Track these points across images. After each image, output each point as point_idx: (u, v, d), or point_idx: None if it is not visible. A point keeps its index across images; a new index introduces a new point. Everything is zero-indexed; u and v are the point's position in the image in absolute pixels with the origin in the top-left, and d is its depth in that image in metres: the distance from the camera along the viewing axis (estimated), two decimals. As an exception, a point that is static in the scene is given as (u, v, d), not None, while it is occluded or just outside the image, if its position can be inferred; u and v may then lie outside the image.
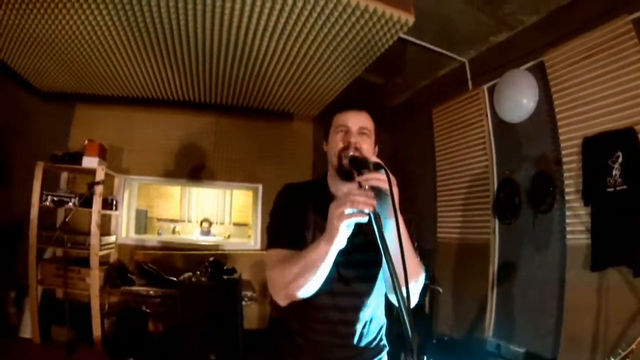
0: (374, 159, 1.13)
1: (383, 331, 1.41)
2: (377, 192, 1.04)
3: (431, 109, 3.93)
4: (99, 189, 3.64)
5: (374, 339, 1.37)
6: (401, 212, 1.06)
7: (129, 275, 3.88)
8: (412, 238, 1.26)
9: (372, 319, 1.35)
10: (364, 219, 0.99)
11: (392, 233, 1.00)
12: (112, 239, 4.02)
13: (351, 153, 1.22)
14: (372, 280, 1.32)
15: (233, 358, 3.25)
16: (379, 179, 1.05)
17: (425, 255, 3.11)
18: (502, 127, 3.22)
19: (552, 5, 2.83)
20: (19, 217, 3.57)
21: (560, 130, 2.72)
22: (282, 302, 1.22)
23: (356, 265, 1.29)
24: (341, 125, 1.33)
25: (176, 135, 4.36)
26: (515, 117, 3.05)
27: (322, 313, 1.29)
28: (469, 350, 3.19)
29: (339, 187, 1.33)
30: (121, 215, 4.28)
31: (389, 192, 1.03)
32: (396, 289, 0.90)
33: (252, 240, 4.65)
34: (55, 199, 3.54)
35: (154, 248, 4.23)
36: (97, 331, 3.52)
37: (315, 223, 1.31)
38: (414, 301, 1.21)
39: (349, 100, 1.42)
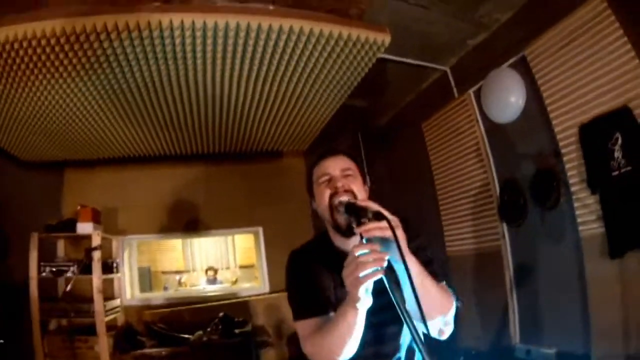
0: (371, 205, 1.06)
1: None
2: (383, 239, 1.00)
3: (420, 123, 3.92)
4: (96, 255, 3.56)
5: None
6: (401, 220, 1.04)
7: (138, 337, 3.74)
8: (434, 265, 1.23)
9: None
10: (380, 275, 0.94)
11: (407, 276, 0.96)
12: (117, 302, 3.90)
13: (342, 198, 1.18)
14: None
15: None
16: (381, 228, 0.99)
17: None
18: (494, 130, 3.18)
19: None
20: (18, 288, 3.45)
21: (554, 122, 2.67)
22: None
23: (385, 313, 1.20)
24: (322, 175, 1.28)
25: (168, 189, 4.36)
26: (506, 117, 3.02)
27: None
28: (499, 360, 3.06)
29: (343, 241, 1.28)
30: (123, 276, 4.17)
31: (393, 239, 0.96)
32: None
33: (260, 283, 4.53)
34: (53, 269, 3.45)
35: (161, 306, 4.11)
36: (110, 402, 3.36)
37: (333, 282, 1.27)
38: (449, 331, 1.20)
39: (323, 151, 1.38)
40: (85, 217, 3.55)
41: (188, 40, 2.40)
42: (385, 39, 2.78)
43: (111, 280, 3.94)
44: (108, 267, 3.76)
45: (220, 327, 3.26)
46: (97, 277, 3.50)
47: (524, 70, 2.87)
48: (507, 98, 2.98)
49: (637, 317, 2.21)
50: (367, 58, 2.88)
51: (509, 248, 3.10)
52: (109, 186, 4.16)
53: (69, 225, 3.57)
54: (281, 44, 2.55)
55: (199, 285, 5.32)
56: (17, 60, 2.33)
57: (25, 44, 2.19)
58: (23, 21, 2.12)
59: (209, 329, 3.29)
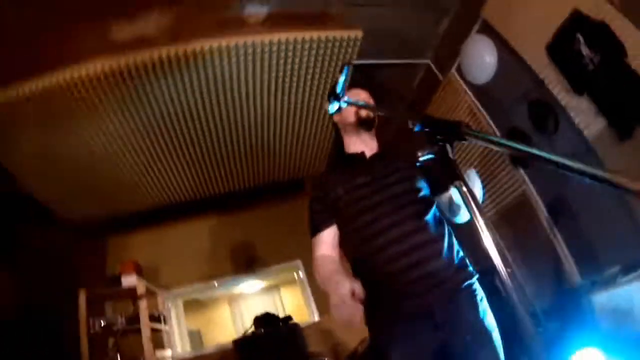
0: None
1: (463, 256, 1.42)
2: None
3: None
4: (143, 304, 3.67)
5: (457, 258, 1.36)
6: None
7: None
8: None
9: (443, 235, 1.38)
10: None
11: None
12: (168, 353, 3.86)
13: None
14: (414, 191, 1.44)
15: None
16: None
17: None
18: (482, 92, 3.40)
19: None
20: (68, 350, 3.52)
21: (525, 57, 2.91)
22: None
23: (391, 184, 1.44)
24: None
25: (205, 239, 4.53)
26: (487, 75, 3.26)
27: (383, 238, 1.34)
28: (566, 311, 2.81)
29: (355, 141, 1.55)
30: (173, 332, 4.17)
31: None
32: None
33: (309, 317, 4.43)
34: (102, 322, 3.55)
35: (216, 354, 4.01)
36: None
37: (344, 186, 1.47)
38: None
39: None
40: (128, 269, 3.74)
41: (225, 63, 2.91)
42: (357, 34, 3.20)
43: (161, 334, 3.95)
44: (155, 318, 3.82)
45: (262, 322, 3.16)
46: (145, 325, 3.56)
47: (489, 30, 3.21)
48: (483, 59, 3.26)
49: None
50: (347, 55, 3.27)
51: (534, 190, 3.08)
52: (148, 246, 4.38)
53: (114, 281, 3.75)
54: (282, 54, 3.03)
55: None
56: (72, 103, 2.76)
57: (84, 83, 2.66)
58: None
59: (251, 328, 3.19)
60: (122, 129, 3.14)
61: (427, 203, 1.38)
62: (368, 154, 1.52)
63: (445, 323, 1.19)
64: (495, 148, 0.86)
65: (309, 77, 3.31)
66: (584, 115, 2.57)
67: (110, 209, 4.06)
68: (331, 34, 3.13)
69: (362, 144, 1.54)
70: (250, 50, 2.90)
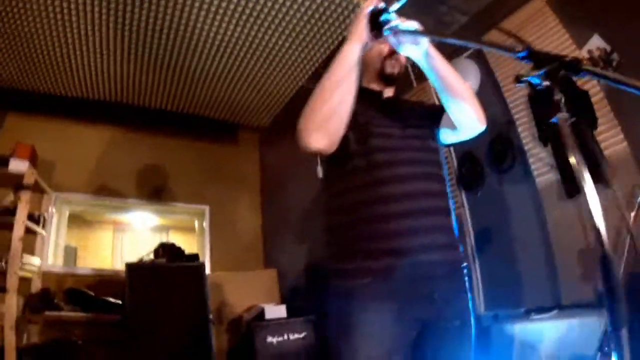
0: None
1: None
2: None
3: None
4: (25, 196, 3.13)
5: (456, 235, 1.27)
6: None
7: (55, 302, 3.18)
8: None
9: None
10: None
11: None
12: (36, 261, 3.34)
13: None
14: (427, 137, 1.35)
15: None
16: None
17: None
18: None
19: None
20: None
21: (505, 94, 3.07)
22: (321, 138, 1.12)
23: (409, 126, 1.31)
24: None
25: (113, 150, 4.02)
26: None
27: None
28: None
29: (371, 81, 1.39)
30: (48, 240, 3.63)
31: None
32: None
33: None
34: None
35: (88, 275, 3.57)
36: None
37: (363, 116, 1.27)
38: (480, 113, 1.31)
39: None
40: (22, 153, 3.13)
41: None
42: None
43: (34, 237, 3.40)
44: (34, 219, 3.27)
45: (163, 252, 2.87)
46: (20, 221, 3.03)
47: (480, 58, 3.31)
48: (464, 79, 3.35)
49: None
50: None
51: (469, 216, 3.24)
52: (48, 136, 3.70)
53: (1, 161, 3.12)
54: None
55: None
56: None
57: None
58: None
59: (150, 255, 2.88)
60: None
61: (441, 167, 1.30)
62: (385, 95, 1.41)
63: (442, 302, 1.12)
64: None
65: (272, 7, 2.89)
66: (541, 164, 2.76)
67: (18, 80, 3.39)
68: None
69: (379, 86, 1.40)
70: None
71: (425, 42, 1.17)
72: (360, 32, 1.15)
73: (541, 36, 2.83)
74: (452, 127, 1.32)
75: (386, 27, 1.14)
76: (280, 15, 2.94)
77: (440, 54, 1.24)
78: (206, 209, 4.25)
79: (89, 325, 3.10)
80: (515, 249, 2.90)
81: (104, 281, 3.51)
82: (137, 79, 3.57)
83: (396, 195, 1.14)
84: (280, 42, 3.21)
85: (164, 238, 5.43)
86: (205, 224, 4.23)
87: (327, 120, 1.10)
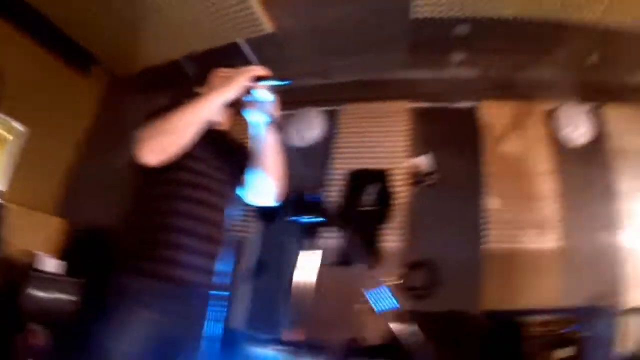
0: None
1: None
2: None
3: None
4: None
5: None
6: None
7: None
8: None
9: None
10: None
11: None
12: None
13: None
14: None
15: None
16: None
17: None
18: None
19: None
20: None
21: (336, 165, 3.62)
22: (153, 156, 1.22)
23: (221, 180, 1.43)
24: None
25: None
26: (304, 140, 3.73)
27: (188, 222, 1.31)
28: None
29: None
30: None
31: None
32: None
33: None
34: None
35: None
36: None
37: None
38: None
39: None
40: None
41: None
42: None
43: None
44: None
45: None
46: None
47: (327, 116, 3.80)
48: (306, 132, 3.76)
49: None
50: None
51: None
52: None
53: None
54: None
55: None
56: None
57: None
58: None
59: None
60: None
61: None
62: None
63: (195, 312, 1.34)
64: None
65: None
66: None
67: None
68: None
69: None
70: None
71: (273, 114, 1.30)
72: (230, 93, 1.26)
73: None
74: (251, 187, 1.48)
75: (249, 104, 1.32)
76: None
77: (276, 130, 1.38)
78: (23, 129, 3.63)
79: None
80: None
81: None
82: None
83: (195, 212, 1.32)
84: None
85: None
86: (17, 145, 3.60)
87: (167, 148, 1.21)
